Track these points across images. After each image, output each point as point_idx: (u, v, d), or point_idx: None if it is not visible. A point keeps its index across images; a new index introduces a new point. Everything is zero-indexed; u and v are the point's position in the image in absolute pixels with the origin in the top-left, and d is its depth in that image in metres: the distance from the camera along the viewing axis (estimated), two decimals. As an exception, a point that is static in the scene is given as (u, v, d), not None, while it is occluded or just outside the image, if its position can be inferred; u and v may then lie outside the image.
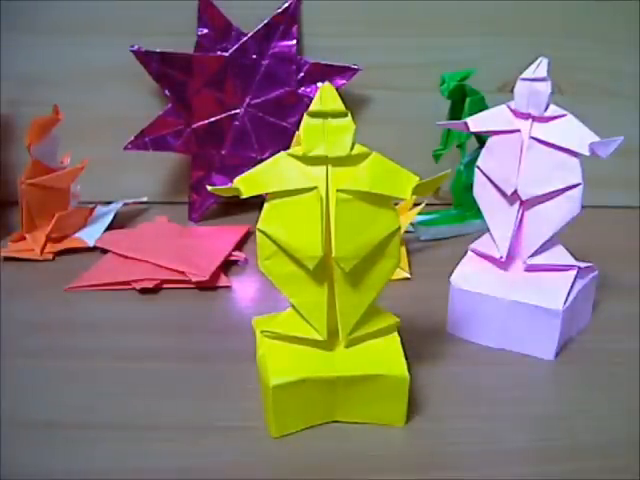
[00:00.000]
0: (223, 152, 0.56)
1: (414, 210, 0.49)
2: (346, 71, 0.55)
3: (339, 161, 0.31)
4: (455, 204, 0.55)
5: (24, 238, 0.50)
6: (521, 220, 0.39)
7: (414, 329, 0.38)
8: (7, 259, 0.49)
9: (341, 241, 0.31)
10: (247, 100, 0.56)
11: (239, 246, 0.51)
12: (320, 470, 0.31)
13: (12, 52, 0.55)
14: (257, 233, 0.32)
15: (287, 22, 0.54)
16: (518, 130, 0.38)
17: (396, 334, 0.34)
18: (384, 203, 0.31)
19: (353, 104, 0.57)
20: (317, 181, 0.31)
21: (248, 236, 0.53)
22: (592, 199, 0.39)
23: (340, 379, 0.32)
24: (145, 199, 0.57)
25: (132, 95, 0.56)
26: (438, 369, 0.37)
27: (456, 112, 0.52)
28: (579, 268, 0.39)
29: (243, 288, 0.47)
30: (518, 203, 0.39)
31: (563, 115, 0.37)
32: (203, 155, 0.56)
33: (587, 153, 0.36)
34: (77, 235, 0.51)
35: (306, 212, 0.31)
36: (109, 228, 0.52)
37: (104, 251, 0.50)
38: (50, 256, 0.49)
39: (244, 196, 0.31)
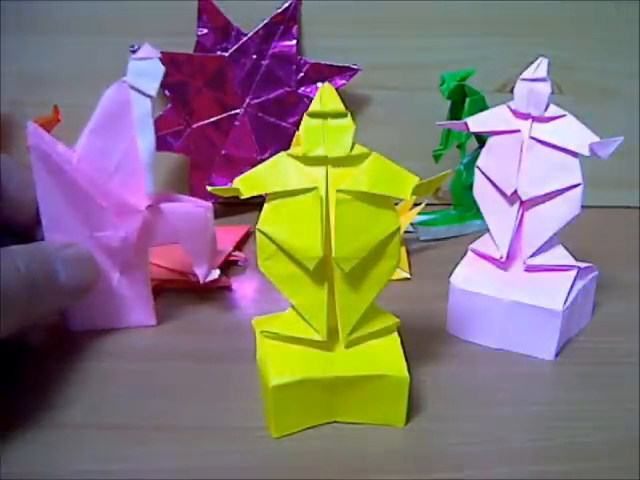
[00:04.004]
0: (223, 152, 0.56)
1: (414, 210, 0.49)
2: (346, 71, 0.55)
3: (339, 161, 0.31)
4: (455, 204, 0.55)
5: (24, 238, 0.50)
6: (521, 220, 0.39)
7: (414, 329, 0.38)
8: (7, 259, 0.49)
9: (341, 241, 0.31)
10: (247, 100, 0.56)
11: (239, 246, 0.51)
12: (320, 470, 0.31)
13: (12, 52, 0.55)
14: (257, 233, 0.32)
15: (287, 22, 0.54)
16: (518, 130, 0.38)
17: (396, 334, 0.34)
18: (384, 203, 0.31)
19: (353, 104, 0.57)
20: (317, 181, 0.31)
21: (248, 236, 0.53)
22: (592, 199, 0.39)
23: (340, 379, 0.32)
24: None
25: (132, 95, 0.56)
26: (438, 369, 0.37)
27: (456, 112, 0.52)
28: (579, 268, 0.39)
29: (243, 288, 0.47)
30: (518, 203, 0.39)
31: (563, 115, 0.37)
32: (203, 155, 0.56)
33: (587, 153, 0.36)
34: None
35: (306, 212, 0.31)
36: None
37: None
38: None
39: (244, 196, 0.31)
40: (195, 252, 0.40)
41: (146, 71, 0.37)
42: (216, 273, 0.41)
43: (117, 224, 0.38)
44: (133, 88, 0.37)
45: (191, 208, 0.40)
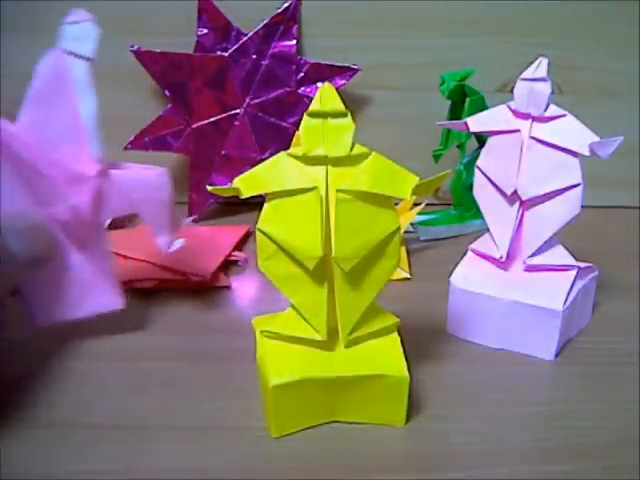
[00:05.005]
0: (223, 152, 0.56)
1: (414, 210, 0.49)
2: (346, 71, 0.55)
3: (339, 161, 0.31)
4: (455, 204, 0.55)
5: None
6: (521, 220, 0.39)
7: (414, 329, 0.38)
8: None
9: (341, 241, 0.31)
10: (247, 100, 0.56)
11: (239, 246, 0.51)
12: (320, 470, 0.31)
13: (12, 52, 0.55)
14: (257, 233, 0.32)
15: (287, 22, 0.54)
16: (518, 130, 0.38)
17: (396, 334, 0.34)
18: (384, 203, 0.31)
19: (353, 104, 0.57)
20: (317, 181, 0.31)
21: (248, 236, 0.53)
22: (592, 199, 0.39)
23: (340, 379, 0.32)
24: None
25: (132, 95, 0.56)
26: (438, 369, 0.37)
27: (456, 112, 0.52)
28: (579, 268, 0.39)
29: (243, 288, 0.47)
30: (518, 203, 0.39)
31: (563, 115, 0.37)
32: (203, 155, 0.56)
33: (587, 153, 0.36)
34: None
35: (306, 212, 0.31)
36: (109, 228, 0.52)
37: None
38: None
39: (244, 196, 0.31)
40: (154, 220, 0.38)
41: (80, 34, 0.37)
42: (179, 243, 0.39)
43: (68, 195, 0.36)
44: (70, 53, 0.36)
45: (144, 174, 0.38)
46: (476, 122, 0.39)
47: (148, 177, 0.38)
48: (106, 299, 0.39)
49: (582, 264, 0.39)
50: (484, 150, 0.40)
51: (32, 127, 0.36)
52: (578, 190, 0.37)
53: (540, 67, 0.37)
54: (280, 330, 0.33)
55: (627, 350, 0.40)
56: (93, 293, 0.38)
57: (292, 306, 0.33)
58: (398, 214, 0.32)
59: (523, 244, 0.39)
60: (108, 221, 0.47)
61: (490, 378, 0.37)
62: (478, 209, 0.41)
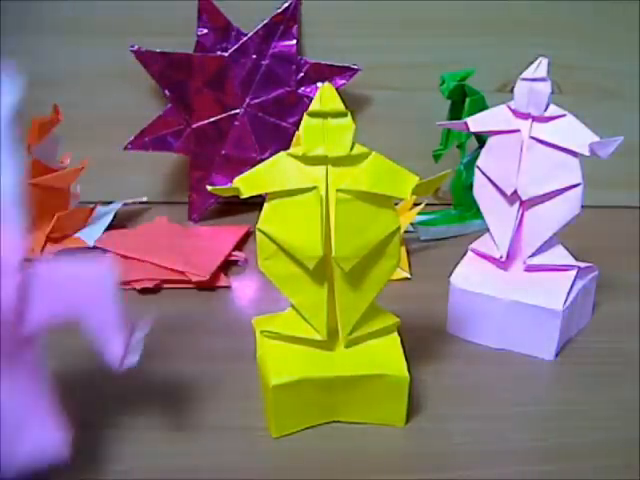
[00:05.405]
0: (223, 152, 0.56)
1: (414, 210, 0.49)
2: (346, 71, 0.55)
3: (339, 161, 0.31)
4: (455, 204, 0.55)
5: (23, 238, 0.49)
6: (521, 220, 0.39)
7: (414, 329, 0.38)
8: (7, 259, 0.48)
9: (341, 241, 0.31)
10: (247, 100, 0.56)
11: (239, 246, 0.51)
12: (320, 470, 0.31)
13: (12, 52, 0.55)
14: (257, 233, 0.32)
15: (287, 22, 0.54)
16: (518, 130, 0.38)
17: (396, 334, 0.34)
18: (384, 203, 0.31)
19: (353, 104, 0.57)
20: (317, 181, 0.31)
21: (248, 236, 0.53)
22: (592, 199, 0.39)
23: (340, 379, 0.32)
24: (145, 199, 0.57)
25: (132, 95, 0.56)
26: (438, 369, 0.37)
27: (456, 112, 0.52)
28: (579, 268, 0.39)
29: (243, 288, 0.47)
30: (518, 203, 0.39)
31: (563, 115, 0.37)
32: (203, 155, 0.56)
33: (587, 153, 0.36)
34: (77, 235, 0.51)
35: (306, 212, 0.31)
36: (109, 228, 0.52)
37: (104, 251, 0.50)
38: (50, 256, 0.49)
39: (244, 196, 0.31)
40: (98, 328, 0.29)
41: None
42: (135, 355, 0.29)
43: None
44: None
45: (85, 267, 0.29)
46: (476, 122, 0.39)
47: (87, 272, 0.29)
48: (45, 437, 0.28)
49: (582, 264, 0.39)
50: (484, 150, 0.40)
51: None
52: (578, 190, 0.37)
53: (540, 67, 0.37)
54: (280, 330, 0.33)
55: (627, 350, 0.40)
56: (26, 433, 0.28)
57: (292, 306, 0.33)
58: (398, 214, 0.32)
59: (523, 244, 0.39)
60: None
61: (490, 378, 0.37)
62: (478, 209, 0.41)
